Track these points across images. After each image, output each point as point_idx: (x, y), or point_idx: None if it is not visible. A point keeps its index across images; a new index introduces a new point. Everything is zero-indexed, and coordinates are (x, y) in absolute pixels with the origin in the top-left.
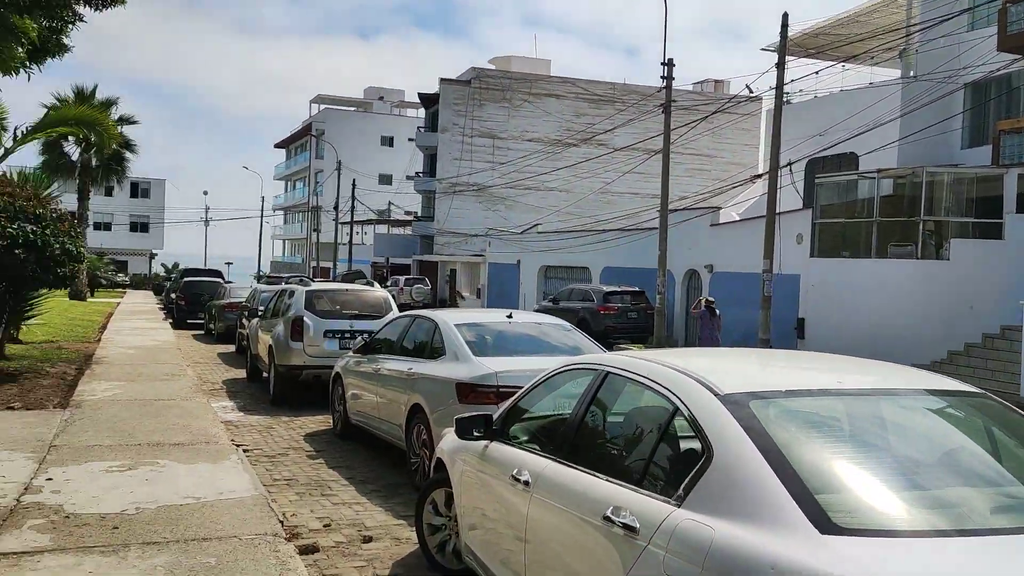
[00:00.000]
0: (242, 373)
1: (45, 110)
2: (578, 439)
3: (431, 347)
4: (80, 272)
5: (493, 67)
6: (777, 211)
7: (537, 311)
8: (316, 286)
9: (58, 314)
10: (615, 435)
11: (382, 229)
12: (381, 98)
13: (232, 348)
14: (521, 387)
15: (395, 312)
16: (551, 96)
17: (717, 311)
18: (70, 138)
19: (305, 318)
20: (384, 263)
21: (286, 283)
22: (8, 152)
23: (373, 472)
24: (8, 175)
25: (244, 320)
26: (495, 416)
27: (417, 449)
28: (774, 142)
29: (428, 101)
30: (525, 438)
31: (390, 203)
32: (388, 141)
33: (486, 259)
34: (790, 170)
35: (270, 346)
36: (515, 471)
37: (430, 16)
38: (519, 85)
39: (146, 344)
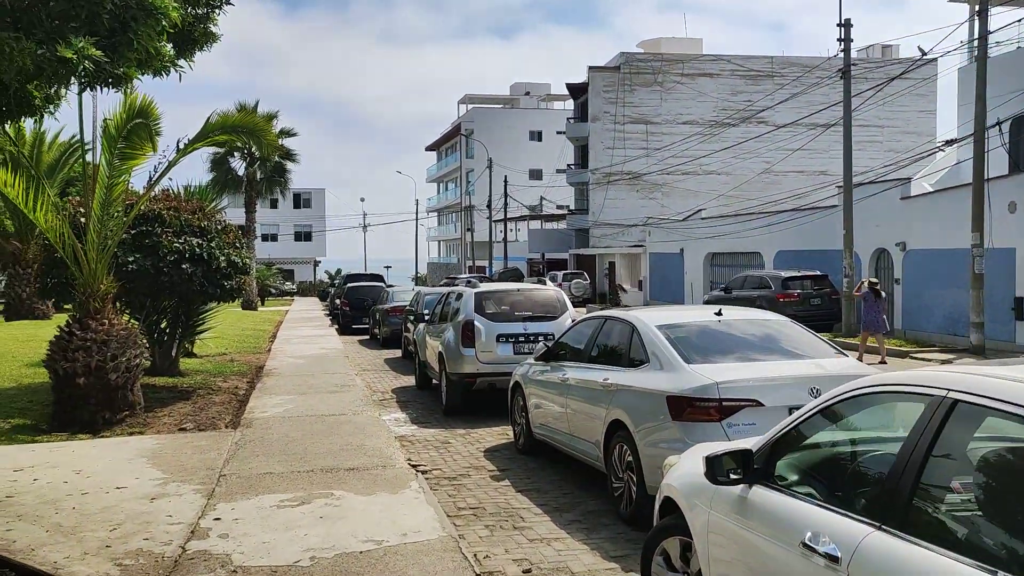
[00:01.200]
0: (411, 380)
1: (205, 121)
2: (919, 499)
3: (629, 353)
4: (247, 284)
5: (642, 51)
6: (985, 177)
7: (707, 302)
8: (485, 287)
9: (231, 325)
10: (984, 496)
11: (535, 225)
12: (527, 93)
13: (398, 353)
14: (749, 399)
15: (571, 311)
16: (705, 76)
17: (882, 293)
18: (236, 154)
19: (476, 322)
20: (539, 259)
21: (466, 284)
22: (172, 164)
23: (567, 496)
24: (175, 191)
25: (409, 324)
26: (754, 450)
27: (620, 472)
28: (979, 101)
29: (576, 91)
30: (805, 484)
31: (542, 198)
32: (536, 136)
33: (646, 249)
34: (999, 130)
35: (440, 353)
36: (807, 536)
37: (565, 10)
38: (671, 67)
39: (314, 352)
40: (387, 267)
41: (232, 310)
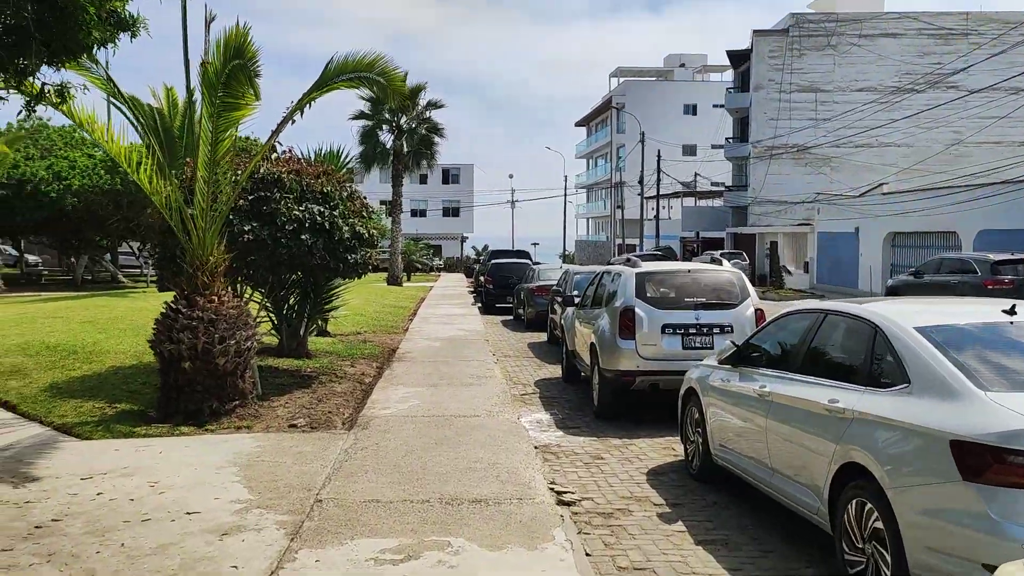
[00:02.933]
0: (556, 371)
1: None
2: None
3: (872, 365)
4: (371, 258)
5: (813, 11)
6: None
7: (892, 288)
8: (648, 267)
9: (371, 301)
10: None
11: (688, 202)
12: (682, 65)
13: (543, 337)
14: None
15: (753, 298)
16: (886, 36)
17: None
18: (384, 127)
19: (637, 309)
20: (694, 238)
21: (625, 263)
22: (288, 117)
23: (770, 557)
24: (302, 155)
25: (555, 306)
26: None
27: (859, 540)
28: None
29: (737, 59)
30: None
31: (696, 174)
32: (691, 109)
33: (814, 228)
34: None
35: (592, 344)
36: None
37: None
38: (846, 28)
39: (452, 334)
40: (534, 244)
41: (376, 285)
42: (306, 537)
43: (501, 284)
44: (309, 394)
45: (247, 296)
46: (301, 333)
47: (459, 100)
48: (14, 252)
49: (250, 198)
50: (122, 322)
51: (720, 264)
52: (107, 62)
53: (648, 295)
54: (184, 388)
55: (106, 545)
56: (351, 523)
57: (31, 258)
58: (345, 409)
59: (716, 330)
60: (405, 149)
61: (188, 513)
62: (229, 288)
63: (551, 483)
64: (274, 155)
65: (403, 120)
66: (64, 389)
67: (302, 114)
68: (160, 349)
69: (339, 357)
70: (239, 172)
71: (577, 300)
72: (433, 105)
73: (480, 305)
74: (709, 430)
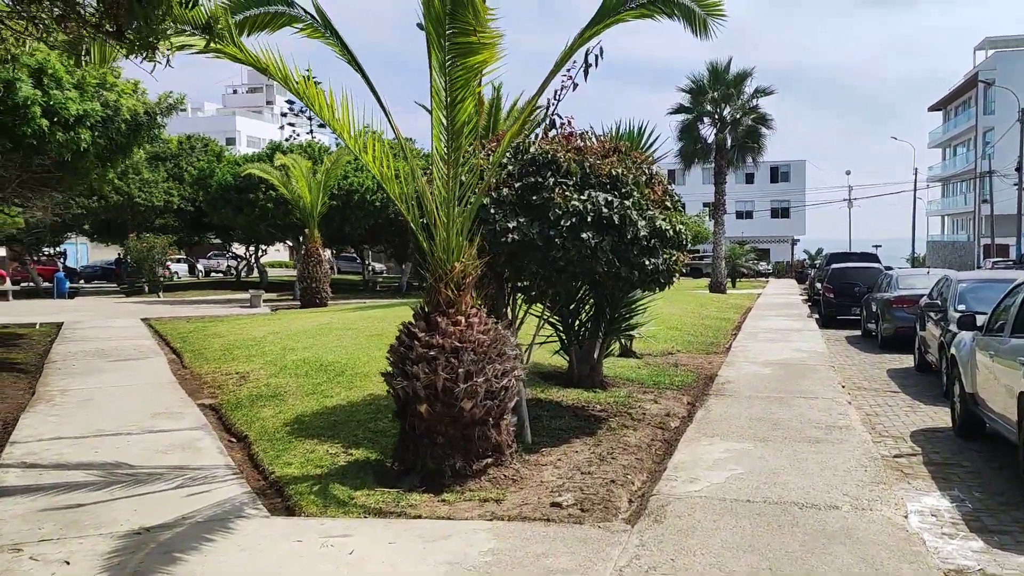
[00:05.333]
0: (938, 415)
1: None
2: None
3: None
4: (678, 262)
5: None
6: None
7: None
8: None
9: (689, 311)
10: None
11: None
12: None
13: (908, 361)
14: None
15: None
16: None
17: None
18: (705, 119)
19: None
20: None
21: None
22: (561, 63)
23: None
24: (585, 133)
25: (929, 324)
26: None
27: None
28: None
29: None
30: None
31: None
32: None
33: None
34: None
35: (1022, 393)
36: None
37: None
38: None
39: (786, 357)
40: (876, 247)
41: (696, 293)
42: None
43: (844, 293)
44: (591, 446)
45: (521, 309)
46: (595, 356)
47: (784, 94)
48: (357, 260)
49: (516, 185)
50: None
51: None
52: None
53: None
54: (422, 438)
55: None
56: None
57: (377, 266)
58: (635, 476)
59: None
60: (729, 143)
61: None
62: (482, 305)
63: None
64: (550, 131)
65: (726, 111)
66: (308, 423)
67: (586, 75)
68: (393, 386)
69: (641, 387)
70: (491, 149)
71: (980, 321)
72: (761, 92)
73: (817, 317)
74: None
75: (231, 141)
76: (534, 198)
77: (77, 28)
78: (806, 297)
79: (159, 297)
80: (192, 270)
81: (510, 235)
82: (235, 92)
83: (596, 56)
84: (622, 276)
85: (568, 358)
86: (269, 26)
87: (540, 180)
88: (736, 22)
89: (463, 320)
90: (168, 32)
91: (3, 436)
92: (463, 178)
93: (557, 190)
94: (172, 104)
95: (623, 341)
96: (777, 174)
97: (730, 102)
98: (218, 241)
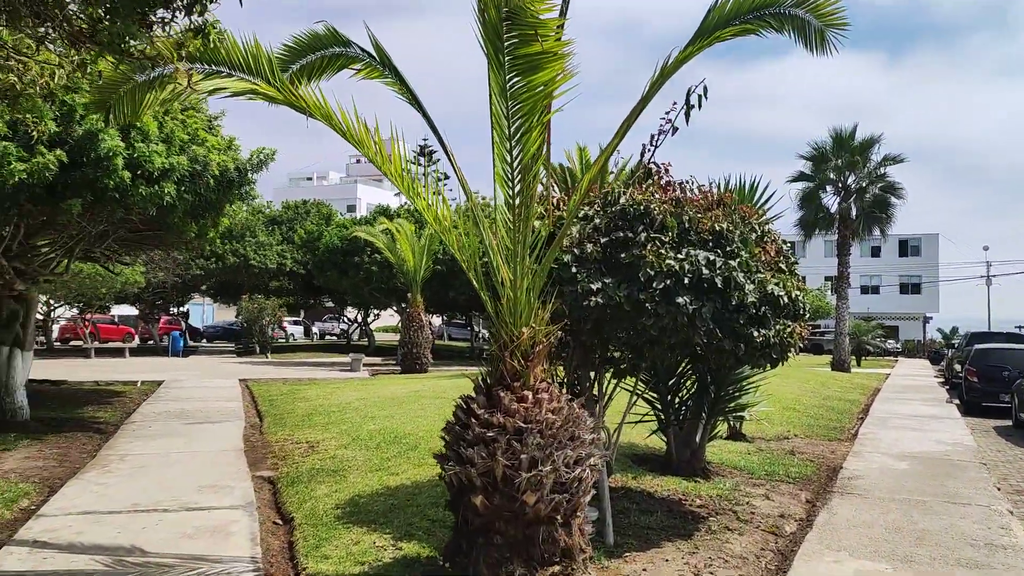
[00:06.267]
0: None
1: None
2: None
3: None
4: (795, 335)
5: None
6: None
7: None
8: None
9: (809, 390)
10: None
11: None
12: None
13: None
14: None
15: None
16: None
17: None
18: (827, 188)
19: None
20: None
21: None
22: (650, 94)
23: None
24: (689, 185)
25: None
26: None
27: None
28: None
29: None
30: None
31: None
32: None
33: None
34: None
35: None
36: None
37: None
38: None
39: (925, 449)
40: (1019, 327)
41: (815, 370)
42: None
43: (990, 377)
44: (686, 554)
45: (610, 383)
46: (697, 440)
47: (916, 171)
48: (468, 327)
49: (603, 241)
50: None
51: None
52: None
53: None
54: (477, 537)
55: None
56: None
57: (486, 333)
58: None
59: None
60: (853, 213)
61: None
62: (555, 379)
63: None
64: (644, 182)
65: (851, 179)
66: (364, 506)
67: (687, 117)
68: (445, 471)
69: (750, 478)
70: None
71: None
72: (890, 160)
73: (958, 403)
74: None
75: (352, 208)
76: (622, 255)
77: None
78: (943, 379)
79: (267, 358)
80: (307, 332)
81: (593, 298)
82: (358, 162)
83: (700, 96)
84: (725, 349)
85: (665, 441)
86: (327, 71)
87: (630, 235)
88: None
89: (530, 396)
90: (146, 33)
91: (40, 505)
92: (535, 224)
93: (649, 246)
94: (263, 160)
95: (731, 422)
96: (907, 248)
97: (855, 169)
98: (331, 304)
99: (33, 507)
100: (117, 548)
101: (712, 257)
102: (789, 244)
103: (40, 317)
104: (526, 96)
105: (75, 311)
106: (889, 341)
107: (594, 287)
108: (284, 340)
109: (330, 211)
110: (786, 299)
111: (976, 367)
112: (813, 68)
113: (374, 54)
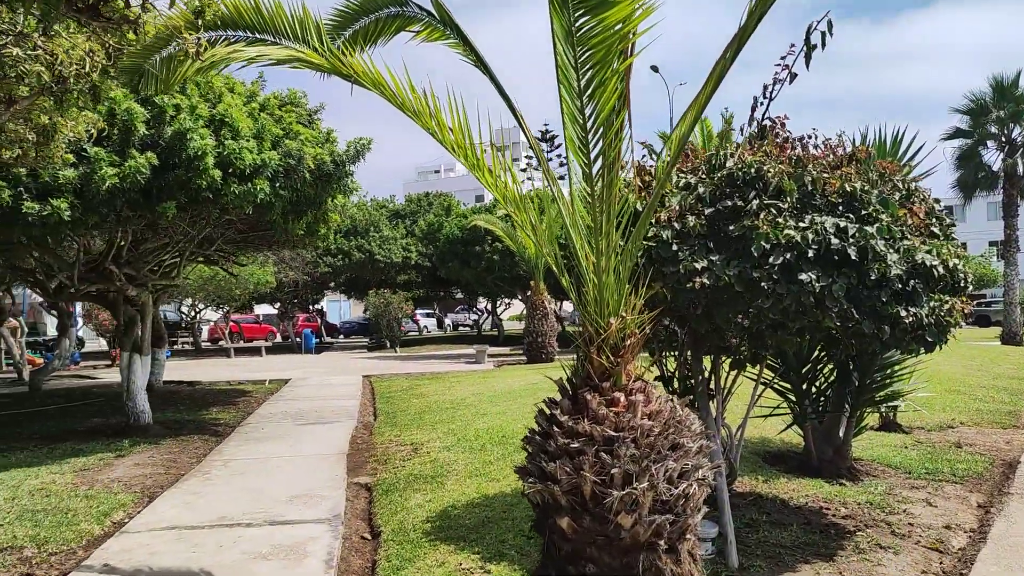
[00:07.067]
0: None
1: None
2: None
3: None
4: (955, 313)
5: None
6: None
7: None
8: None
9: (975, 368)
10: None
11: None
12: None
13: None
14: None
15: None
16: None
17: None
18: (989, 143)
19: None
20: None
21: None
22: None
23: None
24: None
25: None
26: None
27: None
28: None
29: None
30: None
31: None
32: None
33: None
34: None
35: None
36: None
37: None
38: None
39: None
40: None
41: (982, 345)
42: None
43: None
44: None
45: (729, 376)
46: (840, 435)
47: None
48: None
49: (706, 212)
50: None
51: None
52: None
53: None
54: (566, 565)
55: None
56: None
57: None
58: None
59: None
60: (1020, 169)
61: None
62: (666, 374)
63: None
64: (752, 136)
65: (1016, 132)
66: (456, 518)
67: (807, 61)
68: (526, 489)
69: (907, 478)
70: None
71: None
72: None
73: None
74: None
75: (479, 198)
76: (731, 228)
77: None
78: None
79: (396, 352)
80: (440, 324)
81: (698, 279)
82: (483, 152)
83: (823, 33)
84: (865, 333)
85: (803, 436)
86: (382, 35)
87: (740, 203)
88: (1017, 46)
89: (622, 398)
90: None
91: (133, 516)
92: (629, 198)
93: (763, 215)
94: (359, 151)
95: (883, 411)
96: None
97: (1021, 121)
98: (460, 296)
99: (126, 519)
100: (182, 573)
101: (843, 223)
102: (944, 208)
103: (187, 320)
104: (596, 39)
105: (219, 313)
106: None
107: (699, 266)
108: (417, 333)
109: (450, 202)
110: (941, 269)
111: None
112: (965, 14)
113: (434, 12)
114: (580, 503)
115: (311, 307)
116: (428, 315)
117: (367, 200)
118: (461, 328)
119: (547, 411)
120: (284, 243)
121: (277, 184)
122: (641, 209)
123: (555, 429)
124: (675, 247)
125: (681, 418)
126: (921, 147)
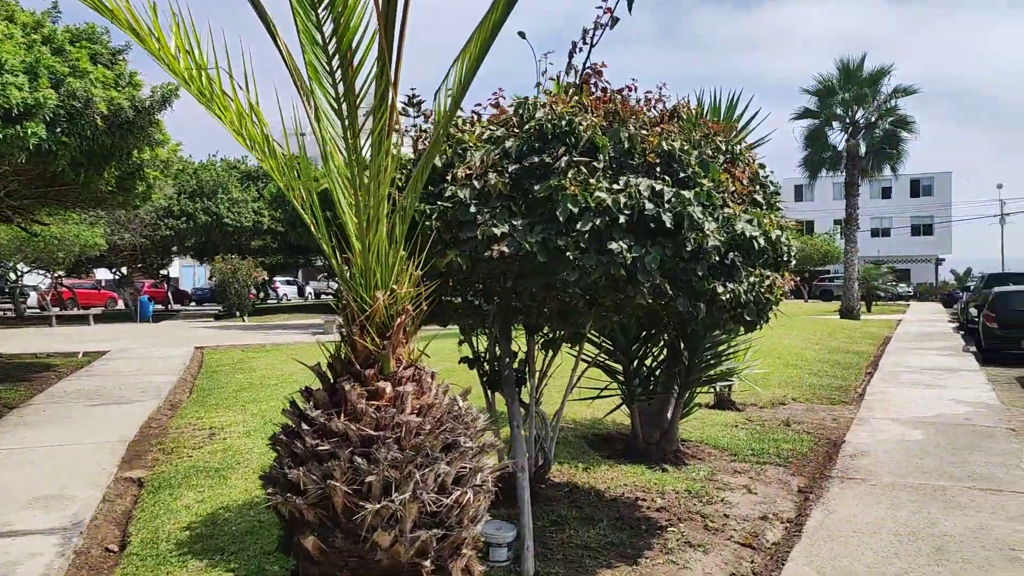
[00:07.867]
0: None
1: None
2: None
3: None
4: (774, 290)
5: None
6: None
7: None
8: None
9: (814, 342)
10: None
11: None
12: None
13: None
14: None
15: None
16: None
17: None
18: (834, 124)
19: None
20: None
21: None
22: None
23: None
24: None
25: None
26: None
27: None
28: None
29: None
30: None
31: None
32: None
33: None
34: None
35: None
36: None
37: None
38: None
39: (942, 412)
40: None
41: (823, 319)
42: None
43: (1012, 323)
44: None
45: (545, 356)
46: (667, 417)
47: (926, 111)
48: None
49: (511, 169)
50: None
51: None
52: None
53: None
54: None
55: None
56: None
57: None
58: None
59: None
60: (862, 149)
61: None
62: (479, 356)
63: None
64: (569, 88)
65: (859, 114)
66: (220, 526)
67: (630, 4)
68: (271, 498)
69: (732, 460)
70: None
71: None
72: (901, 92)
73: (975, 351)
74: None
75: None
76: (536, 188)
77: None
78: (957, 325)
79: (244, 321)
80: (301, 292)
81: (496, 246)
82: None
83: None
84: (679, 310)
85: (631, 418)
86: None
87: (547, 160)
88: (878, 35)
89: (388, 389)
90: None
91: None
92: (402, 150)
93: (571, 173)
94: (166, 97)
95: (718, 388)
96: (919, 188)
97: (864, 103)
98: (322, 264)
99: None
100: None
101: (659, 187)
102: (796, 187)
103: (7, 284)
104: None
105: (48, 277)
106: (901, 285)
107: (498, 232)
108: (276, 301)
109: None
110: (762, 241)
111: (995, 311)
112: (818, 7)
113: None
114: (331, 518)
115: (158, 272)
116: (289, 283)
117: (216, 160)
118: (324, 296)
119: (296, 408)
120: (89, 200)
121: (59, 130)
122: (416, 160)
123: (304, 427)
124: (473, 208)
125: (460, 413)
126: (756, 112)
